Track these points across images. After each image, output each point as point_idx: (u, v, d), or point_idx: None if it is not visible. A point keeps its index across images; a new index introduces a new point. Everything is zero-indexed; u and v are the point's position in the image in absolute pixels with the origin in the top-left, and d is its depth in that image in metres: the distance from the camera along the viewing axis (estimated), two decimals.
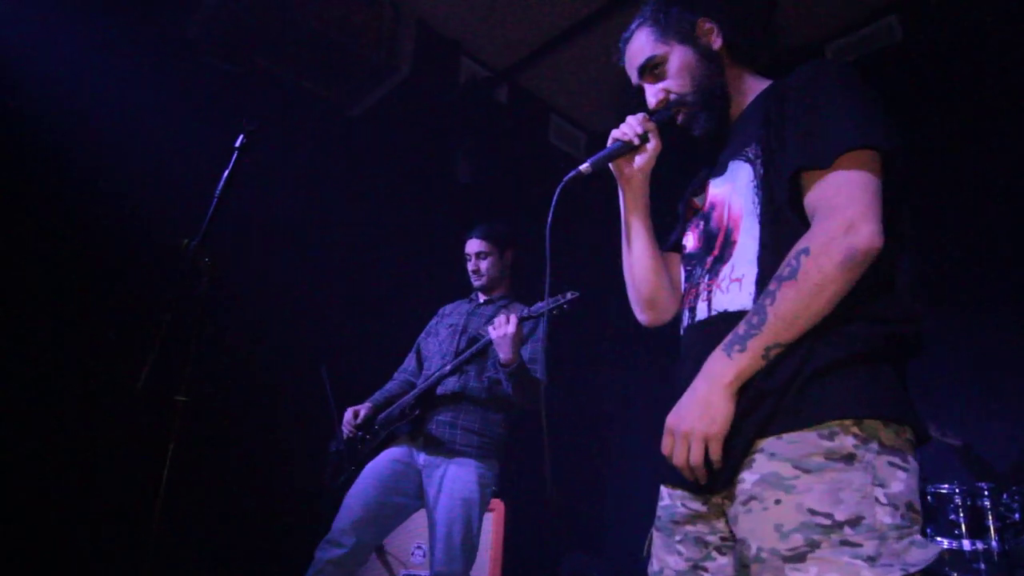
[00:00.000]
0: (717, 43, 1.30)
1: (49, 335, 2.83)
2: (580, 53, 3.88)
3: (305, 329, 3.58)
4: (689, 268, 1.27)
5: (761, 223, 1.09)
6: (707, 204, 1.25)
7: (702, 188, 1.30)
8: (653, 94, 1.31)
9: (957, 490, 2.56)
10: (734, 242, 1.13)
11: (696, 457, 1.00)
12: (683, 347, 1.21)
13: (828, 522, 0.92)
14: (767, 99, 1.19)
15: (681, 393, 1.06)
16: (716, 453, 0.99)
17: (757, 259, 1.08)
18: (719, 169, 1.25)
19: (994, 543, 2.48)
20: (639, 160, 1.31)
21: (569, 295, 2.21)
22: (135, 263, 2.91)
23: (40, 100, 2.84)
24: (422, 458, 2.37)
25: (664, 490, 1.19)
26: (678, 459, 1.01)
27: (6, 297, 2.75)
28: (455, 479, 2.29)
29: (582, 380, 4.52)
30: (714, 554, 1.10)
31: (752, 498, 0.97)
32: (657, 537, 1.17)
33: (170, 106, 3.19)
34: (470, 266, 2.64)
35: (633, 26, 1.35)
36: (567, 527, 4.11)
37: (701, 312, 1.15)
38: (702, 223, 1.25)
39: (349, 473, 2.52)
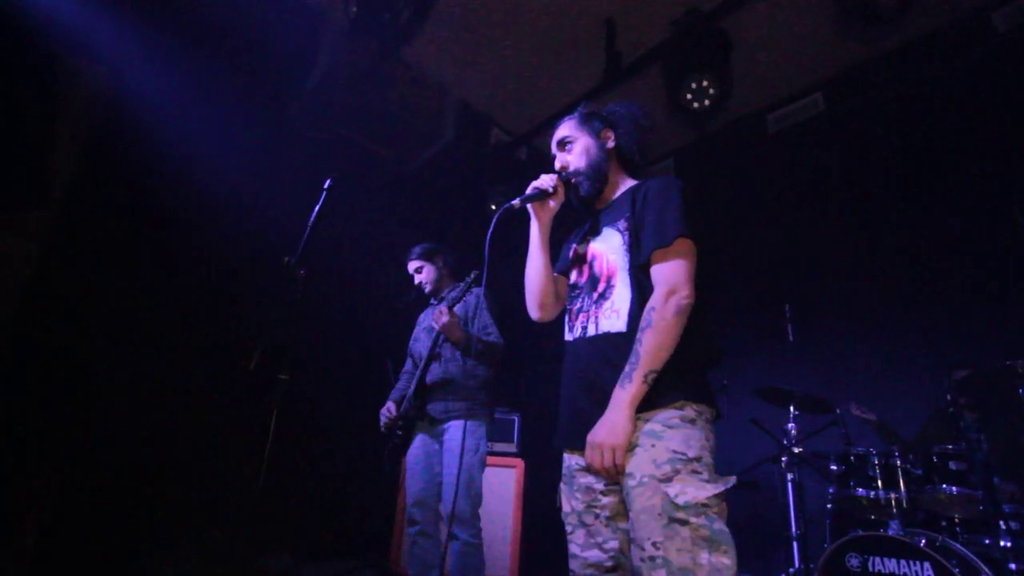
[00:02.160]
0: (610, 145, 1.53)
1: (190, 333, 2.96)
2: None
3: (374, 330, 3.70)
4: (575, 295, 1.45)
5: (631, 275, 1.34)
6: (589, 254, 1.45)
7: (584, 242, 1.49)
8: (560, 161, 1.53)
9: (873, 452, 2.59)
10: (613, 286, 1.36)
11: (607, 461, 1.20)
12: (573, 352, 1.38)
13: (684, 457, 1.17)
14: (635, 193, 1.43)
15: (569, 386, 1.33)
16: (620, 458, 1.20)
17: (628, 300, 1.32)
18: (597, 232, 1.46)
19: (903, 492, 2.52)
20: (550, 204, 1.49)
21: (470, 276, 2.33)
22: (253, 276, 3.03)
23: (185, 159, 2.98)
24: (433, 430, 2.44)
25: (565, 454, 1.38)
26: (596, 464, 1.21)
27: (162, 305, 2.87)
28: (452, 439, 2.33)
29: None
30: (600, 497, 1.29)
31: (636, 446, 1.20)
32: (564, 488, 1.35)
33: (277, 162, 3.36)
34: (415, 281, 2.71)
35: (564, 118, 1.58)
36: None
37: (591, 331, 1.35)
38: (587, 267, 1.44)
39: (395, 460, 2.51)
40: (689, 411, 1.23)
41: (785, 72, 3.52)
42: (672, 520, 1.10)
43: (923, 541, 2.31)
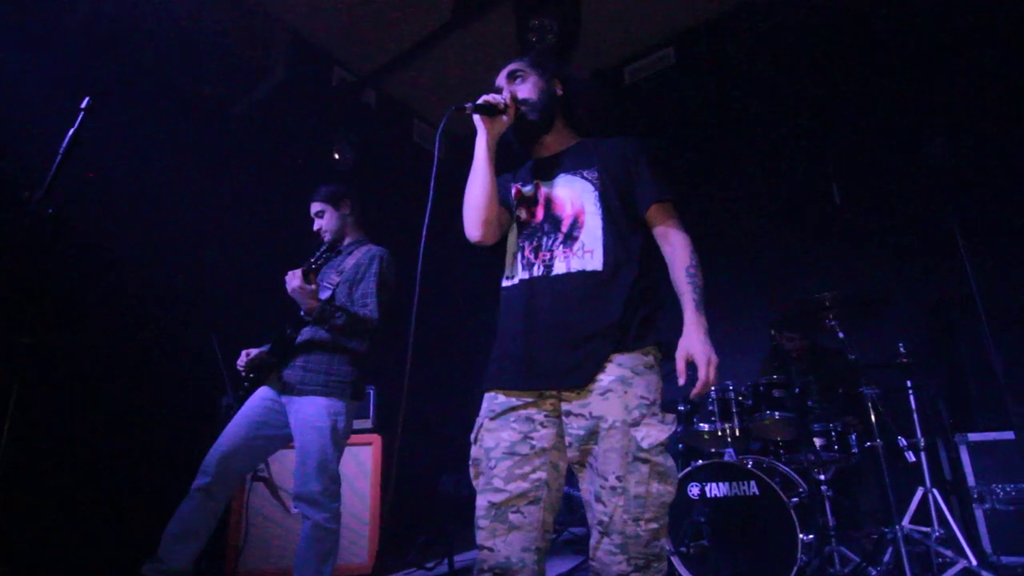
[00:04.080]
0: (559, 93, 1.71)
1: None
2: (434, 65, 4.16)
3: (193, 296, 3.59)
4: (529, 234, 1.56)
5: (603, 220, 1.50)
6: (542, 197, 1.58)
7: (529, 185, 1.63)
8: (509, 89, 1.66)
9: (712, 388, 3.02)
10: (581, 226, 1.50)
11: (712, 375, 1.38)
12: (529, 290, 1.50)
13: (648, 402, 1.38)
14: (596, 149, 1.62)
15: (520, 324, 1.44)
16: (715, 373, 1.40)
17: (602, 242, 1.47)
18: (548, 177, 1.61)
19: (736, 422, 3.04)
20: (499, 121, 1.59)
21: (342, 244, 2.39)
22: None
23: None
24: (284, 397, 2.40)
25: (499, 394, 1.48)
26: (709, 377, 1.37)
27: None
28: (307, 412, 2.31)
29: (445, 311, 4.50)
30: (539, 427, 1.44)
31: (609, 390, 1.37)
32: (492, 423, 1.45)
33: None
34: (315, 226, 2.65)
35: (514, 60, 1.73)
36: (442, 451, 4.20)
37: (559, 269, 1.48)
38: (541, 209, 1.57)
39: (233, 413, 2.48)
40: (651, 357, 1.44)
41: (639, 25, 3.99)
42: (636, 459, 1.33)
43: (751, 463, 2.80)
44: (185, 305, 3.56)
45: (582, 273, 1.45)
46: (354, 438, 3.32)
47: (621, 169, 1.57)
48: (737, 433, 3.05)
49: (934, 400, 3.14)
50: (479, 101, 1.55)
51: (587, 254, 1.46)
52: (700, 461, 2.88)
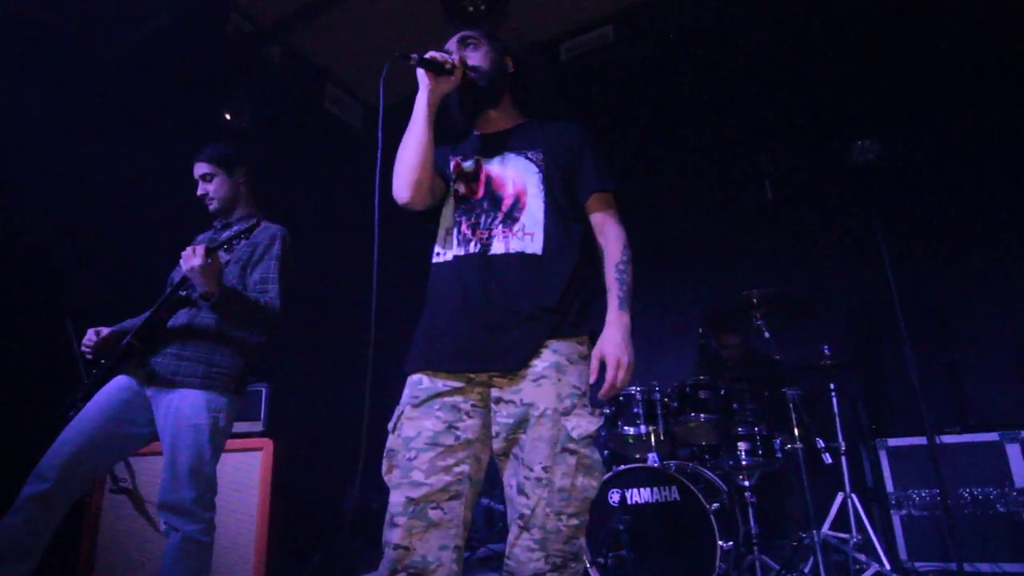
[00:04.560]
0: (511, 69, 1.73)
1: None
2: (352, 22, 3.91)
3: (36, 280, 3.24)
4: (466, 209, 1.58)
5: (545, 204, 1.53)
6: (483, 174, 1.60)
7: (471, 160, 1.64)
8: (459, 53, 1.65)
9: (637, 389, 3.08)
10: (523, 208, 1.53)
11: (622, 378, 1.42)
12: (464, 267, 1.51)
13: (579, 392, 1.42)
14: (541, 131, 1.66)
15: (453, 302, 1.45)
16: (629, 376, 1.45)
17: (543, 226, 1.51)
18: (491, 154, 1.63)
19: (661, 425, 3.01)
20: (444, 80, 1.57)
21: (251, 222, 2.17)
22: None
23: None
24: (149, 389, 2.17)
25: (424, 377, 1.46)
26: (616, 380, 1.42)
27: None
28: (180, 407, 2.10)
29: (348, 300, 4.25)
30: (464, 418, 1.43)
31: (543, 376, 1.40)
32: (414, 411, 1.43)
33: None
34: (199, 191, 2.41)
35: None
36: (338, 457, 4.02)
37: (496, 249, 1.50)
38: (481, 186, 1.59)
39: (78, 408, 2.19)
40: (585, 347, 1.48)
41: (577, 1, 3.88)
42: (564, 450, 1.36)
43: (674, 468, 2.80)
44: (34, 284, 3.20)
45: (521, 255, 1.48)
46: (240, 443, 3.08)
47: (565, 154, 1.61)
48: (662, 437, 3.05)
49: (855, 404, 3.26)
50: (426, 55, 1.54)
51: (527, 236, 1.49)
52: (623, 466, 2.86)
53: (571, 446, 1.37)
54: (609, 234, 1.58)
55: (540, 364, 1.41)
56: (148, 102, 3.64)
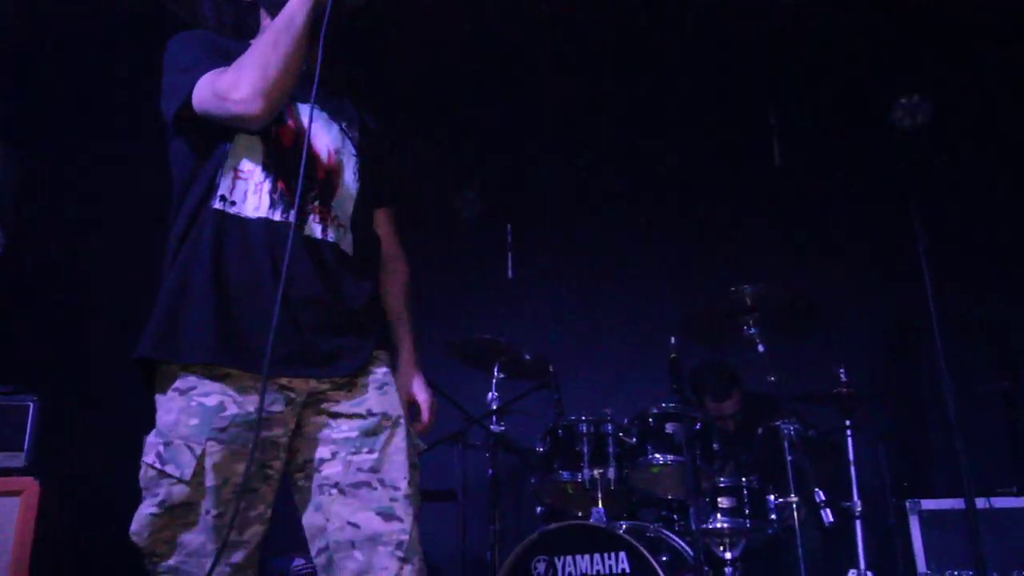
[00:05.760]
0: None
1: None
2: None
3: None
4: (281, 164, 1.45)
5: (356, 198, 1.53)
6: (291, 121, 1.50)
7: (294, 105, 1.53)
8: None
9: (583, 419, 2.76)
10: (335, 187, 1.50)
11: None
12: (279, 238, 1.38)
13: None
14: (356, 108, 1.65)
15: (278, 271, 1.31)
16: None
17: (352, 223, 1.51)
18: (308, 101, 1.48)
19: (612, 469, 2.67)
20: None
21: None
22: None
23: None
24: None
25: (222, 390, 1.31)
26: (428, 422, 1.59)
27: None
28: None
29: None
30: (280, 453, 1.38)
31: (385, 384, 1.46)
32: (220, 449, 1.28)
33: None
34: None
35: None
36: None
37: (315, 231, 1.44)
38: (293, 137, 1.49)
39: None
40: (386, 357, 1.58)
41: None
42: (413, 465, 1.43)
43: (624, 527, 2.52)
44: None
45: (337, 247, 1.48)
46: None
47: (380, 151, 1.65)
48: (612, 486, 2.70)
49: (878, 448, 2.98)
50: None
51: (340, 228, 1.50)
52: (552, 525, 2.62)
53: (416, 460, 1.45)
54: (399, 250, 1.69)
55: (379, 371, 1.47)
56: None
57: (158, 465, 1.26)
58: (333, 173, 1.51)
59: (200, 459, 1.27)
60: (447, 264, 3.41)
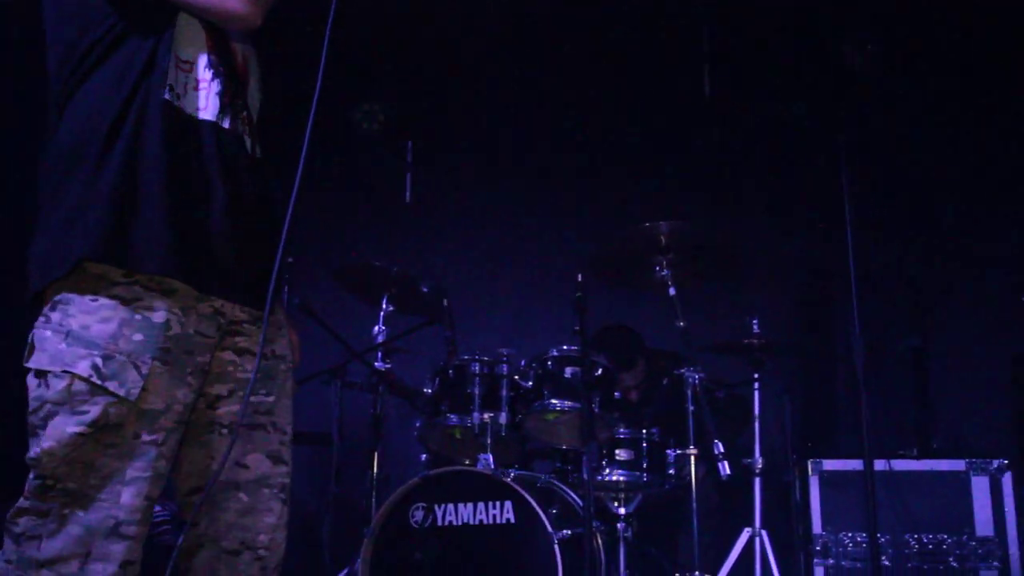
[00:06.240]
0: None
1: None
2: None
3: None
4: (216, 60, 1.41)
5: (259, 113, 1.51)
6: (228, 44, 1.46)
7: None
8: None
9: (477, 358, 2.70)
10: (246, 108, 1.45)
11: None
12: (226, 147, 1.37)
13: None
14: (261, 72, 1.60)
15: (229, 180, 1.33)
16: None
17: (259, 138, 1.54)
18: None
19: (504, 414, 2.63)
20: None
21: None
22: None
23: None
24: None
25: (174, 316, 1.28)
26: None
27: None
28: None
29: None
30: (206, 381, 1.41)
31: (283, 324, 1.49)
32: (164, 371, 1.28)
33: None
34: None
35: None
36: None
37: (248, 145, 1.43)
38: (230, 44, 1.45)
39: None
40: None
41: None
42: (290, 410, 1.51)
43: (512, 476, 2.47)
44: None
45: (264, 166, 1.48)
46: None
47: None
48: (503, 432, 2.66)
49: (784, 404, 3.00)
50: None
51: (258, 147, 1.46)
52: (430, 471, 2.59)
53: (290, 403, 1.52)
54: None
55: (279, 309, 1.50)
56: None
57: (95, 380, 1.20)
58: (246, 83, 1.51)
59: (148, 379, 1.25)
60: (339, 182, 3.30)
